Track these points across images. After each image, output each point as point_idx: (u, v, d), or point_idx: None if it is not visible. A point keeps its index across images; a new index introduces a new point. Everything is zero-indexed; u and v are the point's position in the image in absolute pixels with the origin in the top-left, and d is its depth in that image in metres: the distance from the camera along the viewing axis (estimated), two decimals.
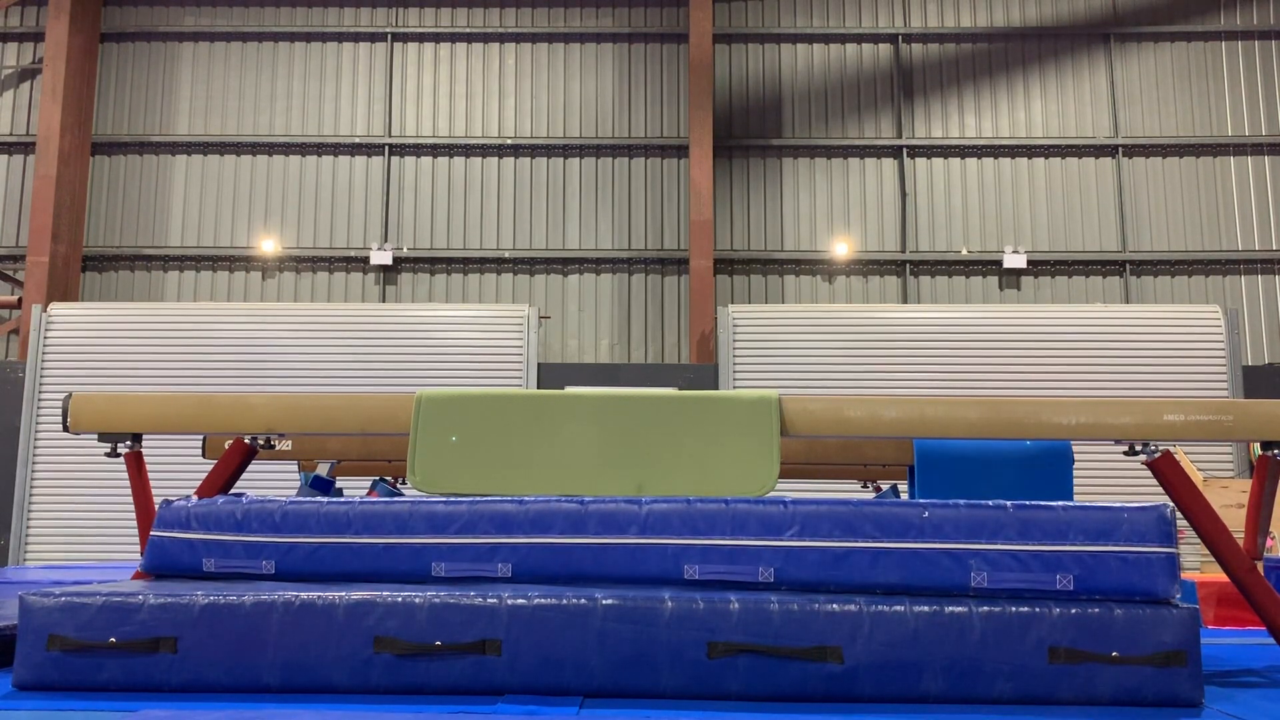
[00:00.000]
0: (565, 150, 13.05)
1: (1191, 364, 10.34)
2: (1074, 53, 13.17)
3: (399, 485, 6.81)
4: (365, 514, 3.30)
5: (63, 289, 12.20)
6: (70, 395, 3.70)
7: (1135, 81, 13.04)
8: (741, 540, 3.10)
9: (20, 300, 12.18)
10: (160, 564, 3.39)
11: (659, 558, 3.12)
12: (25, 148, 12.99)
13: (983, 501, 3.11)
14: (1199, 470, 9.14)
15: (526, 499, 3.30)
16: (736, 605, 2.93)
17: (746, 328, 10.58)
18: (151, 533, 3.41)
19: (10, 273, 12.74)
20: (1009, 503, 3.09)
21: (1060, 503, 3.07)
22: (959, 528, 3.03)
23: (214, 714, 2.57)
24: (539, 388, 10.45)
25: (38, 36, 13.19)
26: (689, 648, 2.88)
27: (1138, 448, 3.62)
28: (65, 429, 3.71)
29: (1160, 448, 3.65)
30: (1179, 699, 2.85)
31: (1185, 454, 9.17)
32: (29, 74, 13.23)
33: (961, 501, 3.11)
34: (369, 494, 6.20)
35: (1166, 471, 3.68)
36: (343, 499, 3.48)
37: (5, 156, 13.05)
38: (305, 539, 3.27)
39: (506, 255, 12.79)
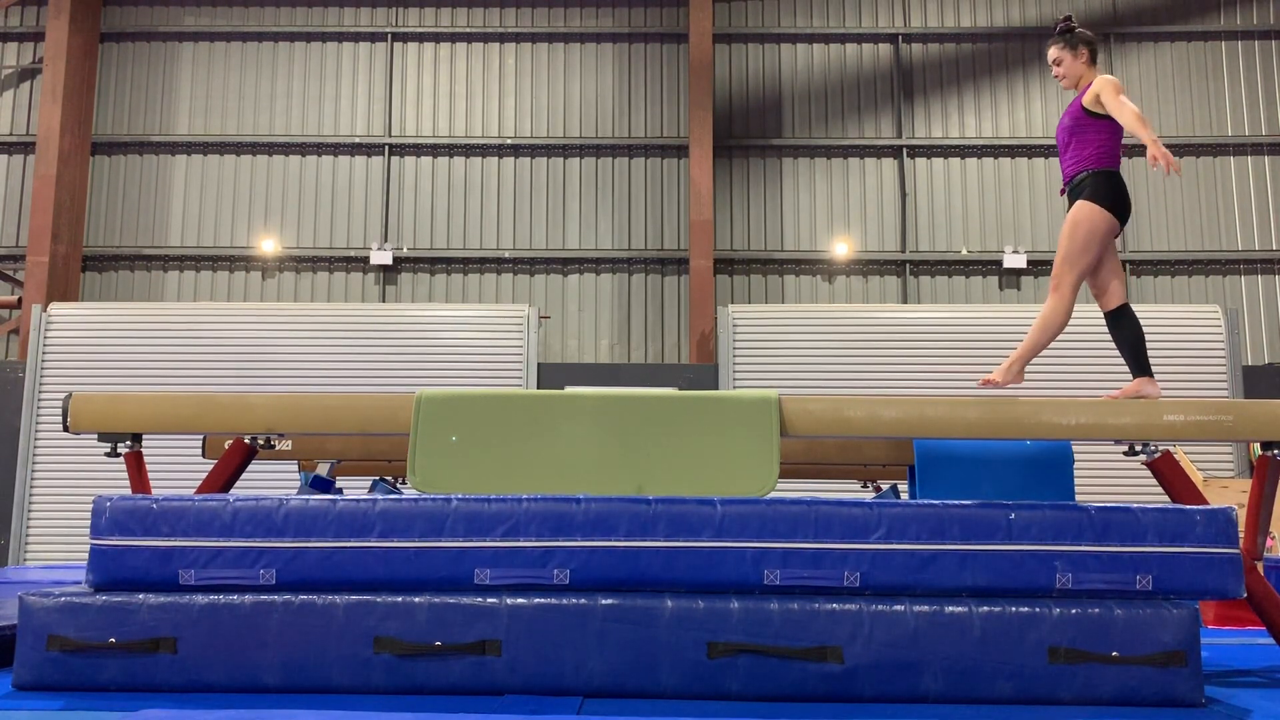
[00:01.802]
0: (565, 150, 13.05)
1: (1191, 364, 10.33)
2: None
3: (399, 485, 6.80)
4: (392, 513, 3.03)
5: (63, 289, 12.19)
6: (70, 395, 3.68)
7: (1135, 81, 13.02)
8: (826, 543, 2.99)
9: (20, 300, 12.17)
10: (113, 579, 2.99)
11: (736, 562, 2.99)
12: (25, 148, 12.98)
13: (1065, 503, 3.07)
14: (1199, 470, 9.12)
15: (584, 497, 3.08)
16: (736, 605, 2.92)
17: (746, 328, 10.57)
18: (94, 540, 3.00)
19: (10, 273, 12.73)
20: (1090, 504, 3.06)
21: (1136, 505, 3.05)
22: (1045, 529, 3.00)
23: (214, 714, 2.56)
24: (539, 388, 10.44)
25: (38, 36, 13.18)
26: (689, 648, 2.87)
27: (1138, 448, 3.63)
28: (65, 429, 3.70)
29: (1160, 448, 3.65)
30: (1179, 699, 2.85)
31: (1185, 454, 9.16)
32: (29, 74, 13.22)
33: (1045, 503, 3.06)
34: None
35: (1166, 471, 3.68)
36: (362, 496, 3.28)
37: (5, 156, 13.05)
38: (316, 543, 2.98)
39: (506, 255, 12.79)
